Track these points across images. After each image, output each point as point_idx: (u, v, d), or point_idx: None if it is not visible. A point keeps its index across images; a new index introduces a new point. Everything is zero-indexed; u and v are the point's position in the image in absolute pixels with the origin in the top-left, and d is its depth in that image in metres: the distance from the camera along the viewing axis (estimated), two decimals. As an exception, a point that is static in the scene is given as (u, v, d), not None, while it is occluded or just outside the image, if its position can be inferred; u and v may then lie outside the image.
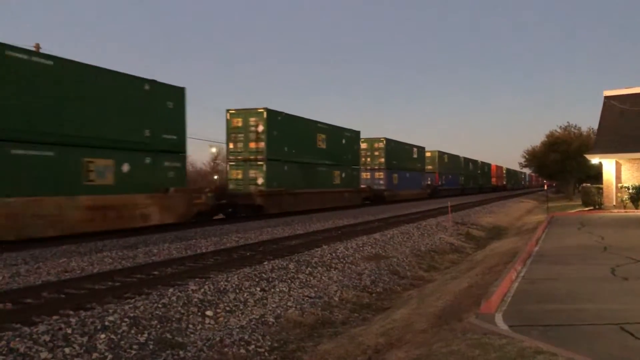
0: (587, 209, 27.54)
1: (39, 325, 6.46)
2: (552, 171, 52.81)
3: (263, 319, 7.57)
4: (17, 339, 5.92)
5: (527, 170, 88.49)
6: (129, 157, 16.73)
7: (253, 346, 6.60)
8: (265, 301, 8.78)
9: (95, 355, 5.92)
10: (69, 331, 6.29)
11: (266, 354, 6.52)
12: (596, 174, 32.46)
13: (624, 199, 25.57)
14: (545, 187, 44.86)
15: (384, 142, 40.98)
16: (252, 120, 25.11)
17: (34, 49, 23.99)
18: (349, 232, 18.08)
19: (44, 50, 24.68)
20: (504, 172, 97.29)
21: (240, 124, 25.42)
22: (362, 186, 37.24)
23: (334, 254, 12.87)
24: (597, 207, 27.05)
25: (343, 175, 33.11)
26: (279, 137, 25.92)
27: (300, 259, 11.90)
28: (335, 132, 32.27)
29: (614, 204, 26.00)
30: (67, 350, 5.89)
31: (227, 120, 25.70)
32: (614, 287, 7.56)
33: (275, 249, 13.80)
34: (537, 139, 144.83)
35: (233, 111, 25.65)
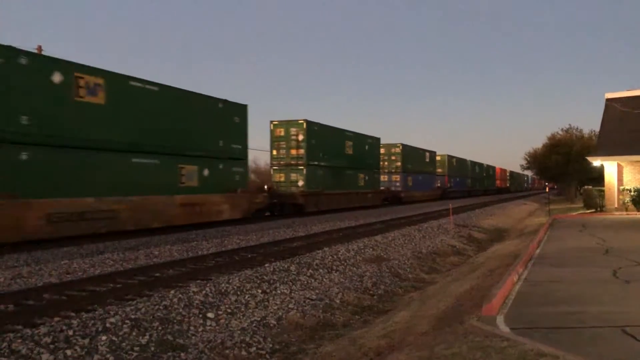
0: (588, 211, 27.52)
1: (41, 327, 6.47)
2: (553, 173, 52.86)
3: (264, 321, 7.57)
4: (19, 340, 5.93)
5: (529, 173, 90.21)
6: (208, 164, 20.39)
7: (254, 348, 6.60)
8: (266, 303, 8.77)
9: (96, 357, 5.92)
10: (71, 333, 6.30)
11: (267, 356, 6.51)
12: (598, 176, 32.43)
13: (626, 201, 25.54)
14: (547, 190, 44.83)
15: (401, 147, 44.32)
16: (293, 130, 28.63)
17: (36, 51, 24.07)
18: (350, 234, 18.07)
19: (46, 52, 24.75)
20: (508, 174, 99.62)
21: (282, 134, 28.93)
22: (382, 188, 40.57)
23: (335, 256, 12.87)
24: (598, 209, 27.03)
25: (366, 177, 36.69)
26: (315, 145, 29.45)
27: (302, 261, 11.90)
28: (359, 139, 35.75)
29: (616, 206, 25.96)
30: (68, 352, 5.89)
31: (270, 130, 29.18)
32: (615, 289, 7.55)
33: (276, 251, 13.80)
34: (539, 141, 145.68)
35: (276, 122, 29.09)
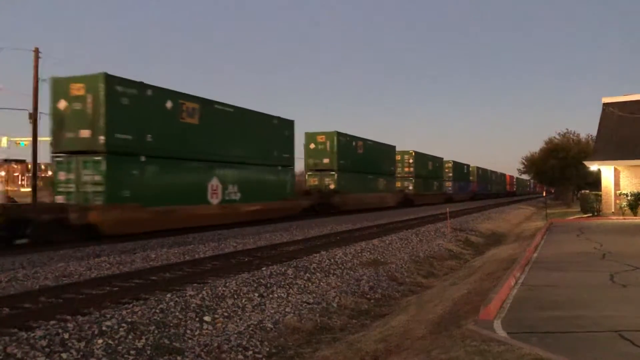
0: (585, 215, 27.55)
1: (36, 330, 6.44)
2: (550, 178, 52.92)
3: (261, 325, 7.54)
4: (14, 344, 5.90)
5: (526, 177, 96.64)
6: (385, 178, 42.25)
7: (251, 352, 6.57)
8: (263, 307, 8.75)
9: (92, 360, 5.89)
10: (66, 336, 6.27)
11: (264, 359, 6.49)
12: (595, 180, 32.51)
13: (623, 205, 25.58)
14: (544, 194, 44.87)
15: (452, 163, 64.53)
16: (406, 156, 49.48)
17: (32, 52, 24.07)
18: (347, 238, 18.05)
19: (43, 54, 24.70)
20: (515, 180, 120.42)
21: (399, 158, 47.85)
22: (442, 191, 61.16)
23: (332, 260, 12.84)
24: (595, 214, 27.06)
25: (437, 184, 57.66)
26: (417, 165, 50.61)
27: (299, 264, 11.87)
28: (435, 160, 57.36)
29: (613, 210, 26.01)
30: (64, 355, 5.86)
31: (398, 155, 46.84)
32: (612, 294, 7.55)
33: (273, 254, 13.77)
34: (536, 146, 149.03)
35: (396, 152, 46.31)
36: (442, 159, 60.48)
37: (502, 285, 7.73)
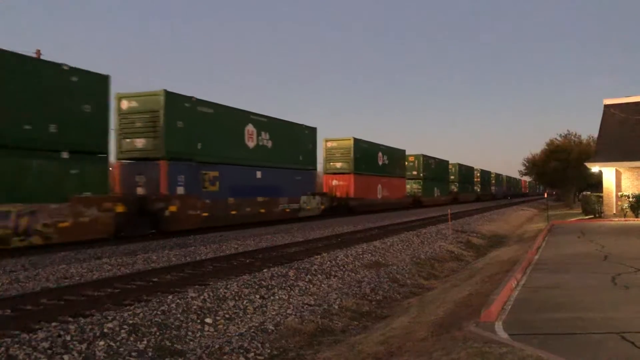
0: (587, 217, 27.52)
1: (38, 332, 6.44)
2: (552, 179, 52.87)
3: (262, 327, 7.54)
4: (16, 345, 5.90)
5: (527, 179, 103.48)
6: (460, 183, 68.07)
7: (252, 354, 6.57)
8: (264, 309, 8.75)
9: (93, 362, 5.90)
10: (68, 338, 6.28)
11: (265, 361, 6.48)
12: (596, 182, 32.46)
13: (624, 207, 25.53)
14: (545, 195, 44.82)
15: (494, 174, 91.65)
16: (475, 171, 76.48)
17: (35, 55, 24.10)
18: (348, 239, 18.06)
19: (44, 56, 24.72)
20: (527, 184, 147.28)
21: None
22: (489, 192, 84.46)
23: (333, 262, 12.84)
24: (597, 215, 27.03)
25: (488, 188, 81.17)
26: (482, 178, 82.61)
27: (300, 266, 11.87)
28: (489, 173, 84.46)
29: (614, 212, 25.97)
30: (65, 357, 5.87)
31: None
32: (614, 295, 7.54)
33: (274, 256, 13.78)
34: (537, 147, 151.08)
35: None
36: (490, 172, 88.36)
37: (503, 287, 7.73)
